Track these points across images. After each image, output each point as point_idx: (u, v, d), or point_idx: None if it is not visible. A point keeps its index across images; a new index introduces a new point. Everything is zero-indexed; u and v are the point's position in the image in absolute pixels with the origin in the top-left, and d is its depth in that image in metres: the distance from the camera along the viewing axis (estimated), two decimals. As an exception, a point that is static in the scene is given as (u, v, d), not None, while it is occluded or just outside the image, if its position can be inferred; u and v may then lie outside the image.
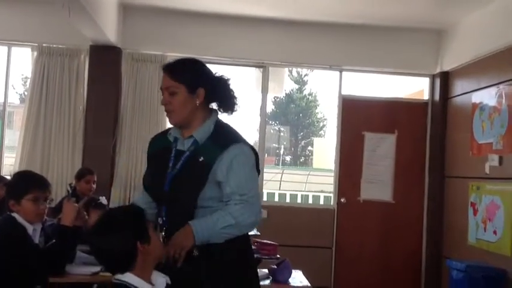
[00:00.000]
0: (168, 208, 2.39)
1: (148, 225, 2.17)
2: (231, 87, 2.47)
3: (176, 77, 2.37)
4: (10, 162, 6.96)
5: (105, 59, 6.46)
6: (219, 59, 6.98)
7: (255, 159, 2.43)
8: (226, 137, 2.39)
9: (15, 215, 3.05)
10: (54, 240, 3.26)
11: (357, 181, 6.93)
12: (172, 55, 6.74)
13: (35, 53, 6.52)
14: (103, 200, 4.99)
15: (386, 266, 6.82)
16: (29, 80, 6.72)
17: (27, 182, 3.09)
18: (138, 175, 6.57)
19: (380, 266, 6.82)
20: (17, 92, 22.90)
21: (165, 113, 2.41)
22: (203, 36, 6.73)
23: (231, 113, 2.50)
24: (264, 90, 7.14)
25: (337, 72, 7.11)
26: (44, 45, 6.49)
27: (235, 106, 2.48)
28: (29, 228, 3.07)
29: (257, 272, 2.60)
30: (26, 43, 6.60)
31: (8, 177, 5.78)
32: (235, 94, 2.48)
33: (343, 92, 7.13)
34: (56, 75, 6.50)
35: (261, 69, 7.16)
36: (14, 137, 8.99)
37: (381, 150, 6.95)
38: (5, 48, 6.69)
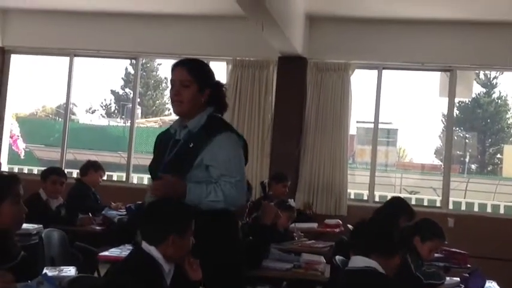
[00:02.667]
0: None
1: None
2: (225, 92, 2.76)
3: (192, 73, 2.63)
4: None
5: (292, 69, 6.80)
6: (404, 65, 6.93)
7: (242, 147, 2.64)
8: (216, 126, 2.62)
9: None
10: (250, 237, 3.57)
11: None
12: (357, 63, 6.88)
13: (230, 66, 7.11)
14: (291, 202, 5.28)
15: None
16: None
17: None
18: (321, 180, 6.79)
19: None
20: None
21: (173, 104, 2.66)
22: (387, 42, 6.74)
23: (222, 114, 2.73)
24: (451, 94, 6.88)
25: (535, 73, 6.59)
26: (237, 58, 7.04)
27: (226, 108, 2.75)
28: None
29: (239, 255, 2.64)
30: (221, 57, 7.21)
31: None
32: (226, 98, 2.76)
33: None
34: (247, 86, 7.01)
35: (448, 73, 6.93)
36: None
37: None
38: (204, 63, 7.37)
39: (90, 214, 5.08)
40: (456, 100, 7.69)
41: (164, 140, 2.73)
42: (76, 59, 7.72)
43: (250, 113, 7.00)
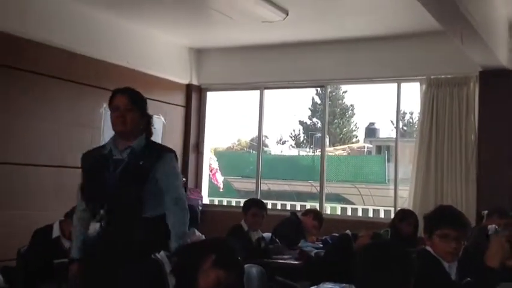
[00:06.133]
0: (109, 208, 2.94)
1: None
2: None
3: (135, 102, 3.10)
4: (403, 194, 7.19)
5: (497, 84, 6.08)
6: None
7: None
8: (158, 147, 3.20)
9: (429, 248, 3.02)
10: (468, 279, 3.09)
11: None
12: None
13: (424, 86, 6.62)
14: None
15: None
16: (413, 114, 6.85)
17: (440, 218, 3.03)
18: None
19: None
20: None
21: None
22: None
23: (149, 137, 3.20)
24: None
25: None
26: (432, 77, 6.54)
27: (151, 136, 3.21)
28: (445, 264, 2.99)
29: None
30: (414, 77, 6.77)
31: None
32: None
33: None
34: (445, 106, 6.45)
35: None
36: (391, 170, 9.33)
37: None
38: (395, 85, 6.99)
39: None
40: None
41: (101, 160, 3.04)
42: (266, 92, 7.89)
43: (450, 135, 6.40)
